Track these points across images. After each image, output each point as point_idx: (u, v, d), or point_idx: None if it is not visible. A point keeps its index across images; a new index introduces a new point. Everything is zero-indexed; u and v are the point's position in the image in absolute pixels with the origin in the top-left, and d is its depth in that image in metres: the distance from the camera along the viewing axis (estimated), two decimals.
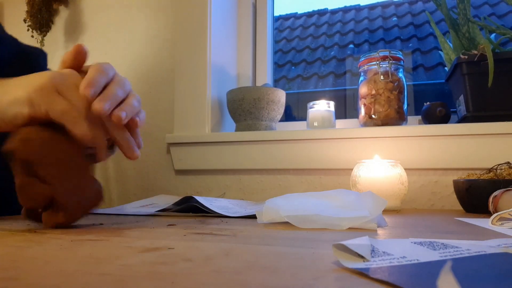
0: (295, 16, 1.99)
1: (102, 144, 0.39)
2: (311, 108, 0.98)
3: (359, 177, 0.72)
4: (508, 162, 0.67)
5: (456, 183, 0.67)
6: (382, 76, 0.87)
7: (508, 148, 0.76)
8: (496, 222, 0.43)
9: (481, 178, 0.65)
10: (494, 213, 0.47)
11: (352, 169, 0.75)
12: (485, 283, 0.17)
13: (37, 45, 1.22)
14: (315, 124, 0.96)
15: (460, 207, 0.70)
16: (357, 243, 0.22)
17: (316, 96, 1.11)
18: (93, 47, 1.20)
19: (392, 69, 0.88)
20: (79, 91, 0.37)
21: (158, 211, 0.62)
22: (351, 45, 1.63)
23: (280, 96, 0.99)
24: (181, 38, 1.05)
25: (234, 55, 1.16)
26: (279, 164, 0.93)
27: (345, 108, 1.29)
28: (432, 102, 0.90)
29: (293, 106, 1.31)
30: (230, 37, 1.14)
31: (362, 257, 0.21)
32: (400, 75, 0.89)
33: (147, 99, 1.10)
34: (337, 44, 1.67)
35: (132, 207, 0.70)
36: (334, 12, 1.92)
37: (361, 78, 0.93)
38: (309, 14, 1.96)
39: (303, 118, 1.05)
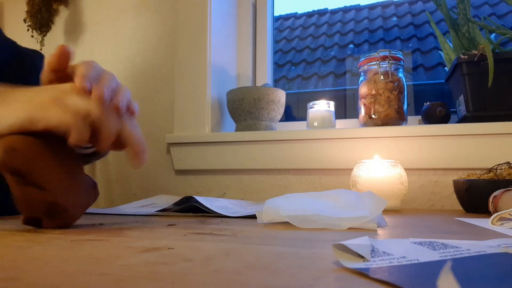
0: (295, 16, 1.99)
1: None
2: (311, 108, 0.98)
3: (359, 177, 0.72)
4: (508, 162, 0.67)
5: (456, 183, 0.67)
6: (382, 76, 0.87)
7: (508, 148, 0.76)
8: (496, 222, 0.43)
9: (481, 178, 0.65)
10: (494, 213, 0.47)
11: (352, 169, 0.75)
12: (485, 283, 0.17)
13: (37, 45, 1.22)
14: (315, 124, 0.96)
15: (460, 207, 0.70)
16: (357, 243, 0.22)
17: (316, 96, 1.11)
18: (93, 47, 1.20)
19: (392, 69, 0.88)
20: (76, 99, 0.37)
21: (158, 211, 0.62)
22: (351, 45, 1.63)
23: (280, 96, 0.99)
24: (181, 38, 1.05)
25: (234, 55, 1.16)
26: (279, 164, 0.93)
27: (345, 108, 1.29)
28: (432, 102, 0.90)
29: (293, 106, 1.31)
30: (230, 37, 1.14)
31: (362, 257, 0.21)
32: (400, 75, 0.89)
33: (147, 99, 1.10)
34: (337, 44, 1.67)
35: (132, 207, 0.70)
36: (334, 12, 1.92)
37: (361, 78, 0.93)
38: (309, 14, 1.96)
39: (303, 118, 1.05)
